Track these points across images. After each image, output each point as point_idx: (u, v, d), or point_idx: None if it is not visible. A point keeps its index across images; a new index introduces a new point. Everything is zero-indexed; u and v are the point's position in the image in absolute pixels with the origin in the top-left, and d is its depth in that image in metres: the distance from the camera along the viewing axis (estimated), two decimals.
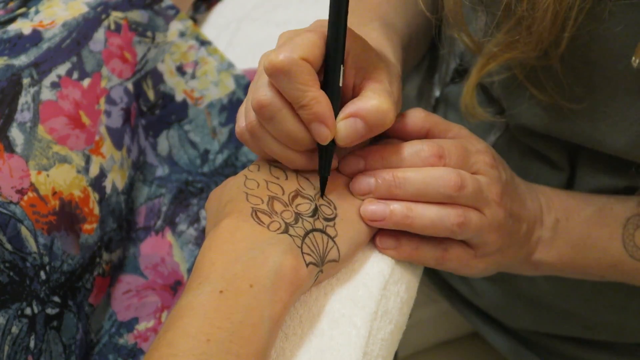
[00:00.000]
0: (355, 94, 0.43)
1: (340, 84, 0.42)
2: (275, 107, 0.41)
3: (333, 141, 0.42)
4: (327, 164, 0.43)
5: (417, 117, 0.47)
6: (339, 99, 0.42)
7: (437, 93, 0.68)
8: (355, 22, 0.53)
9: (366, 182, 0.44)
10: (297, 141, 0.42)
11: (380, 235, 0.45)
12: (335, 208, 0.44)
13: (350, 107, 0.42)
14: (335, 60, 0.41)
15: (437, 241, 0.46)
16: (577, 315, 0.65)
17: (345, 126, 0.41)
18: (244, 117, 0.44)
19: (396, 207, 0.44)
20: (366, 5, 0.56)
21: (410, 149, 0.45)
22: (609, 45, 0.46)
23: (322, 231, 0.42)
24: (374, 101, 0.41)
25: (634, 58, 0.44)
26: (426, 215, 0.44)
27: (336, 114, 0.42)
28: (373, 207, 0.44)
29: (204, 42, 0.66)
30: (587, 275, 0.54)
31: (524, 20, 0.44)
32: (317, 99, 0.40)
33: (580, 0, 0.43)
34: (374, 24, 0.52)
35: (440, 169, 0.44)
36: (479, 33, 0.51)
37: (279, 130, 0.41)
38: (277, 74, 0.40)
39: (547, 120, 0.52)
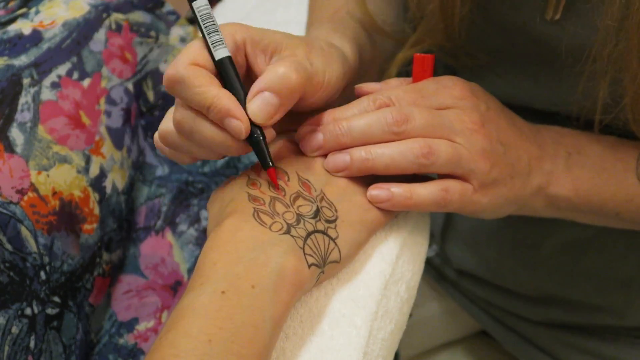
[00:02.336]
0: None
1: (239, 80, 0.42)
2: (190, 119, 0.41)
3: (261, 132, 0.41)
4: (265, 156, 0.42)
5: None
6: (242, 93, 0.42)
7: None
8: (308, 31, 0.58)
9: (315, 138, 0.45)
10: (226, 146, 0.41)
11: (371, 189, 0.45)
12: (336, 210, 0.44)
13: (256, 85, 0.41)
14: (217, 64, 0.41)
15: (434, 183, 0.45)
16: (580, 299, 0.65)
17: (257, 104, 0.41)
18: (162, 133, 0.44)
19: (354, 151, 0.44)
20: (322, 19, 0.58)
21: (359, 105, 0.46)
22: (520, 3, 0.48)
23: (324, 232, 0.42)
24: (278, 70, 0.41)
25: (547, 11, 0.46)
26: (386, 153, 0.44)
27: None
28: (334, 158, 0.45)
29: None
30: (602, 212, 0.53)
31: (421, 16, 0.48)
32: (218, 96, 0.40)
33: None
34: (324, 25, 0.54)
35: (382, 110, 0.45)
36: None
37: (204, 141, 0.41)
38: (174, 86, 0.40)
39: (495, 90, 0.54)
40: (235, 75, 0.42)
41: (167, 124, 0.43)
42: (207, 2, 0.43)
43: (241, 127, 0.40)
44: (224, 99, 0.40)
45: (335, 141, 0.45)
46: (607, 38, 0.44)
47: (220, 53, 0.42)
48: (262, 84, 0.41)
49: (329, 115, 0.46)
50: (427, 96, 0.46)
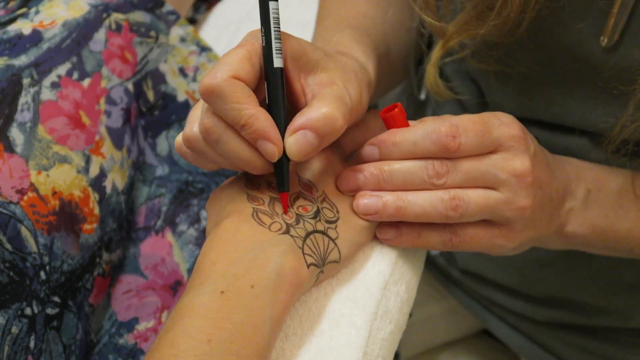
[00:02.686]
0: (307, 97, 0.42)
1: (283, 97, 0.41)
2: (220, 129, 0.40)
3: (285, 155, 0.41)
4: (283, 180, 0.41)
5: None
6: (283, 111, 0.41)
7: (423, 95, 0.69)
8: (325, 32, 0.55)
9: (353, 178, 0.44)
10: (248, 162, 0.40)
11: (380, 226, 0.45)
12: (337, 211, 0.44)
13: (298, 120, 0.40)
14: (271, 73, 0.40)
15: (442, 225, 0.45)
16: (585, 301, 0.65)
17: (296, 140, 0.40)
18: (188, 135, 0.42)
19: (388, 198, 0.43)
20: (339, 17, 0.56)
21: (424, 131, 0.43)
22: (575, 26, 0.47)
23: (324, 233, 0.42)
24: (322, 110, 0.40)
25: (602, 37, 0.45)
26: (418, 202, 0.43)
27: (285, 126, 0.41)
28: (366, 201, 0.44)
29: (204, 49, 0.66)
30: (617, 248, 0.53)
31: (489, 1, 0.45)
32: (255, 116, 0.39)
33: None
34: (345, 32, 0.52)
35: (423, 161, 0.43)
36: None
37: (228, 153, 0.40)
38: (211, 98, 0.39)
39: (523, 103, 0.52)
40: (282, 88, 0.41)
41: (192, 128, 0.42)
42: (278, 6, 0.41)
43: (275, 151, 0.40)
44: (261, 119, 0.39)
45: (376, 185, 0.44)
46: None
47: (277, 62, 0.40)
48: (306, 120, 0.40)
49: (390, 139, 0.44)
50: (492, 131, 0.44)
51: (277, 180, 0.42)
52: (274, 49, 0.40)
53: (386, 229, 0.45)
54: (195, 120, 0.41)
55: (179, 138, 0.43)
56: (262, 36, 0.40)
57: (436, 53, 0.52)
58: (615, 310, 0.65)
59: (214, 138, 0.40)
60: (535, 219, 0.46)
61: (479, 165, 0.44)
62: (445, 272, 0.78)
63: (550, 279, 0.66)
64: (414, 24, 0.61)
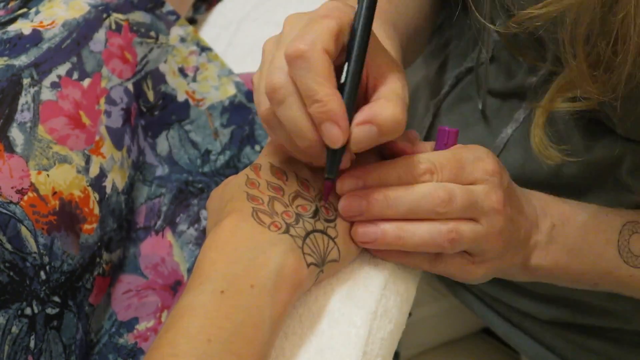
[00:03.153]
0: (366, 94, 0.42)
1: (359, 86, 0.41)
2: (287, 91, 0.39)
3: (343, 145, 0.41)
4: (335, 166, 0.41)
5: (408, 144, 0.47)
6: (354, 100, 0.41)
7: (446, 88, 0.68)
8: None
9: (358, 204, 0.43)
10: (301, 133, 0.40)
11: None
12: (335, 210, 0.44)
13: (367, 113, 0.40)
14: (358, 61, 0.40)
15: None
16: (591, 302, 0.65)
17: (362, 131, 0.40)
18: (260, 105, 0.43)
19: (387, 227, 0.43)
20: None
21: (405, 167, 0.44)
22: None
23: (323, 232, 0.42)
24: (390, 110, 0.40)
25: None
26: (417, 234, 0.43)
27: (351, 115, 0.40)
28: (364, 229, 0.43)
29: (204, 49, 0.66)
30: (581, 282, 0.53)
31: (604, 59, 0.42)
32: (332, 97, 0.38)
33: None
34: (377, 23, 0.50)
35: (429, 185, 0.43)
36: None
37: (287, 116, 0.40)
38: (296, 62, 0.38)
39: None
40: (360, 77, 0.41)
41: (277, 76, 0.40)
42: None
43: (340, 137, 0.39)
44: (336, 102, 0.39)
45: (380, 213, 0.43)
46: None
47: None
48: (374, 116, 0.40)
49: (375, 174, 0.44)
50: (465, 167, 0.45)
51: (327, 166, 0.41)
52: (362, 40, 0.40)
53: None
54: (275, 71, 0.40)
55: (264, 89, 0.41)
56: (356, 22, 0.40)
57: (540, 117, 0.49)
58: (620, 312, 0.65)
59: (279, 97, 0.39)
60: (504, 251, 0.47)
61: (471, 196, 0.44)
62: None
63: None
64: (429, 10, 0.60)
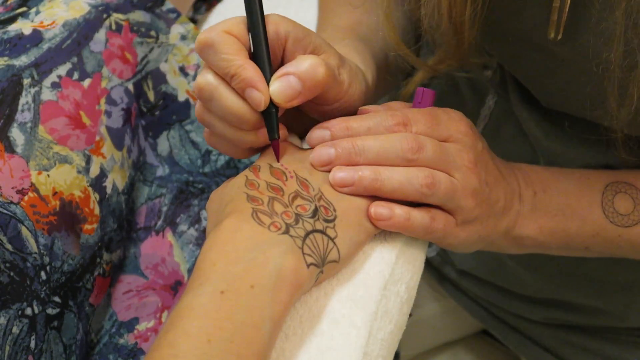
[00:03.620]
0: None
1: (267, 50, 0.44)
2: (212, 86, 0.43)
3: (274, 105, 0.43)
4: (273, 127, 0.44)
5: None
6: (268, 63, 0.43)
7: None
8: (323, 32, 0.58)
9: (326, 152, 0.45)
10: (240, 117, 0.43)
11: (374, 206, 0.45)
12: (334, 210, 0.44)
13: (282, 68, 0.43)
14: (256, 30, 0.43)
15: (425, 209, 0.46)
16: (582, 302, 0.65)
17: (280, 84, 0.43)
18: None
19: (365, 171, 0.44)
20: (337, 27, 0.58)
21: (375, 118, 0.46)
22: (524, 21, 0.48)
23: (323, 232, 0.42)
24: (308, 61, 0.43)
25: (549, 31, 0.46)
26: (394, 177, 0.44)
27: (270, 77, 0.43)
28: (342, 174, 0.44)
29: None
30: (571, 247, 0.53)
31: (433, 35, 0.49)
32: (244, 66, 0.42)
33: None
34: (344, 42, 0.54)
35: (399, 134, 0.45)
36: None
37: (222, 109, 0.43)
38: (204, 49, 0.42)
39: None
40: (266, 41, 0.43)
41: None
42: None
43: (261, 98, 0.42)
44: (249, 69, 0.42)
45: (347, 159, 0.45)
46: (614, 48, 0.44)
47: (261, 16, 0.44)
48: (290, 68, 0.43)
49: (343, 123, 0.46)
50: (440, 124, 0.47)
51: (268, 129, 0.44)
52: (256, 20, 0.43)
53: (380, 208, 0.45)
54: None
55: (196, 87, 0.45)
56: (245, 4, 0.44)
57: (421, 74, 0.56)
58: (612, 310, 0.65)
59: (207, 95, 0.43)
60: (483, 215, 0.48)
61: (442, 148, 0.45)
62: (442, 272, 0.78)
63: (545, 280, 0.67)
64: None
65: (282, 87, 0.43)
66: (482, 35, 0.51)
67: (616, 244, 0.53)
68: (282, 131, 0.46)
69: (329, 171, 0.45)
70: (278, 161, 0.45)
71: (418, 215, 0.45)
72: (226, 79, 0.42)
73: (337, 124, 0.46)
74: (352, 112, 0.48)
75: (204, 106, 0.44)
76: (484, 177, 0.47)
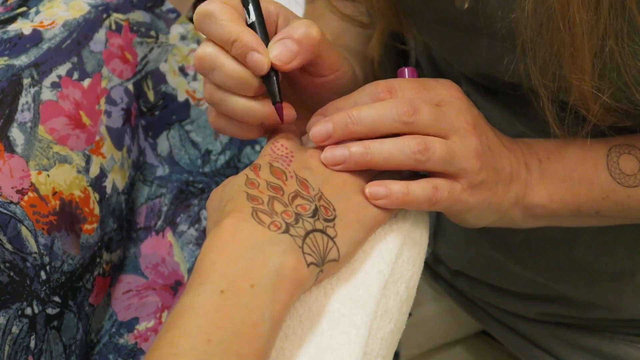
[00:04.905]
0: None
1: (262, 18, 0.45)
2: (212, 55, 0.44)
3: (274, 69, 0.44)
4: (275, 91, 0.45)
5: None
6: (266, 35, 0.45)
7: None
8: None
9: (324, 127, 0.45)
10: (243, 82, 0.44)
11: (370, 186, 0.45)
12: (334, 209, 0.44)
13: (279, 35, 0.45)
14: (252, 2, 0.45)
15: (425, 180, 0.46)
16: (573, 295, 0.66)
17: (278, 47, 0.44)
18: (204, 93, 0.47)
19: (354, 147, 0.45)
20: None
21: (362, 92, 0.47)
22: None
23: (323, 231, 0.42)
24: (303, 24, 0.44)
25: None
26: (384, 148, 0.44)
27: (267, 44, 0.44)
28: (332, 152, 0.45)
29: None
30: (581, 213, 0.53)
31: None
32: (244, 32, 0.43)
33: None
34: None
35: (393, 100, 0.45)
36: None
37: (224, 77, 0.44)
38: (204, 19, 0.43)
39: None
40: (262, 20, 0.45)
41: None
42: None
43: (264, 61, 0.43)
44: (249, 34, 0.43)
45: (345, 130, 0.45)
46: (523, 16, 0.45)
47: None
48: (286, 33, 0.44)
49: (332, 105, 0.47)
50: (428, 89, 0.47)
51: (270, 94, 0.45)
52: None
53: (375, 187, 0.45)
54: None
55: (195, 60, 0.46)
56: None
57: (375, 42, 0.59)
58: (604, 302, 0.65)
59: (207, 65, 0.44)
60: (491, 181, 0.47)
61: (438, 110, 0.46)
62: (436, 272, 0.78)
63: (534, 273, 0.67)
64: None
65: (281, 50, 0.44)
66: (404, 15, 0.53)
67: (627, 206, 0.52)
68: (290, 110, 0.46)
69: (318, 154, 0.46)
70: (282, 123, 0.46)
71: (418, 188, 0.45)
72: (226, 46, 0.43)
73: (328, 107, 0.47)
74: (343, 90, 0.49)
75: (206, 78, 0.45)
76: (485, 140, 0.47)
